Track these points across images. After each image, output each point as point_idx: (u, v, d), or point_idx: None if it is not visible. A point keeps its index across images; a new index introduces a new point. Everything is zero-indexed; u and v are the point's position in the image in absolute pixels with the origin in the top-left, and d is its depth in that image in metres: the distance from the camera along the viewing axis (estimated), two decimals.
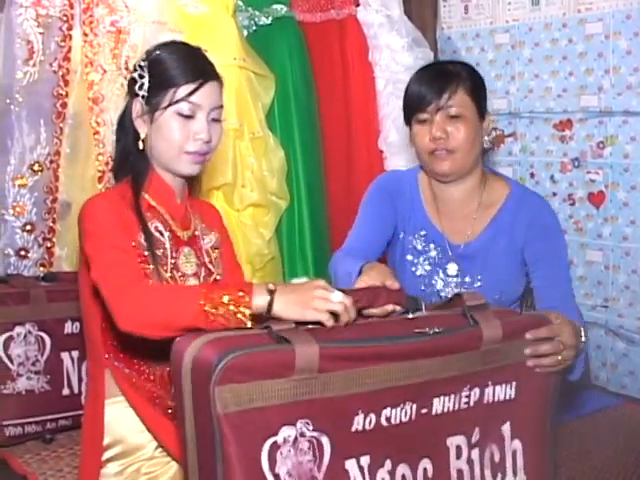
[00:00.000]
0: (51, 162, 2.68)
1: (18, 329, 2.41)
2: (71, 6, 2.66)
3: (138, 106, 1.76)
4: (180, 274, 1.76)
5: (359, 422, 1.29)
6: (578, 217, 3.08)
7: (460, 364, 1.40)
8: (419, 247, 2.12)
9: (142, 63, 1.76)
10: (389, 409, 1.32)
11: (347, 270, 1.80)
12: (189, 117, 1.73)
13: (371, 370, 1.30)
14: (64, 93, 2.68)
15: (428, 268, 2.11)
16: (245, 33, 2.95)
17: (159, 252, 1.73)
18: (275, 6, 3.01)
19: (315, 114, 3.09)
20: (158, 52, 1.78)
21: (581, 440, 2.38)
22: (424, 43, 3.24)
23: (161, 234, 1.75)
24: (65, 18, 2.65)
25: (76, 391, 2.48)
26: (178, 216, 1.81)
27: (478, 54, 3.35)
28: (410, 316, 1.45)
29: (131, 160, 1.80)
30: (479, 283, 2.06)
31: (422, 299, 1.51)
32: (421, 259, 2.12)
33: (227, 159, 2.74)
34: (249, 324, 1.36)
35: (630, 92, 2.87)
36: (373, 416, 1.30)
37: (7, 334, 2.39)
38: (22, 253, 2.68)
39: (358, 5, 3.23)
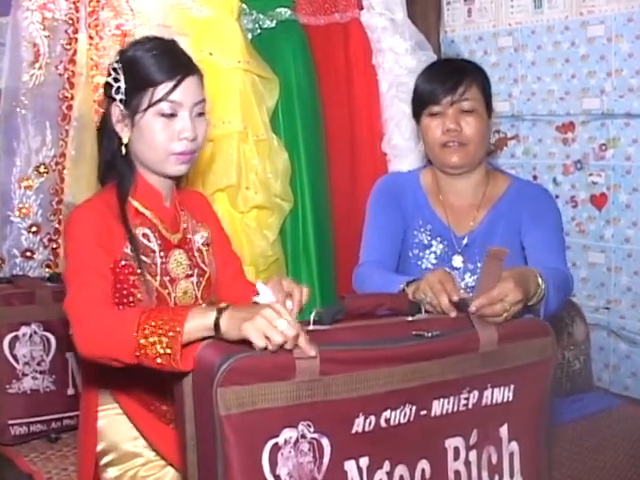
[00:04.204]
0: (56, 164, 2.70)
1: (24, 329, 2.43)
2: (77, 9, 2.67)
3: (117, 111, 1.69)
4: (169, 279, 1.72)
5: (359, 424, 1.31)
6: (580, 219, 3.08)
7: (459, 367, 1.42)
8: (425, 241, 2.15)
9: (116, 65, 1.69)
10: (389, 411, 1.34)
11: (391, 280, 1.83)
12: (171, 116, 1.67)
13: (372, 373, 1.31)
14: (70, 96, 2.70)
15: (434, 262, 2.14)
16: (249, 36, 2.95)
17: (148, 260, 1.69)
18: (279, 9, 3.01)
19: (319, 116, 3.09)
20: (131, 51, 1.71)
21: (584, 441, 2.39)
22: (427, 46, 3.25)
23: (150, 240, 1.71)
24: (71, 21, 2.66)
25: (81, 391, 2.48)
26: (167, 219, 1.77)
27: (481, 57, 3.34)
28: (409, 319, 1.47)
29: (116, 165, 1.73)
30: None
31: (422, 302, 1.52)
32: (426, 252, 2.15)
33: (231, 161, 2.75)
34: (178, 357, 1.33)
35: (632, 94, 2.87)
36: (373, 418, 1.32)
37: (13, 334, 2.41)
38: (28, 254, 2.70)
39: (362, 8, 3.23)
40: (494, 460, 1.48)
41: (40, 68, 2.63)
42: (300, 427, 1.25)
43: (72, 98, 2.71)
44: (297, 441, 1.24)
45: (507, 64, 3.29)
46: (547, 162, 3.18)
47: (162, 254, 1.72)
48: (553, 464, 2.15)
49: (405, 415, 1.36)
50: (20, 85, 2.62)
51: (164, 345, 1.35)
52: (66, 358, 2.48)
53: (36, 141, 2.66)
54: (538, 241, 2.05)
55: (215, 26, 2.79)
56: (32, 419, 2.42)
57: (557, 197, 3.12)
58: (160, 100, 1.65)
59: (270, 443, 1.22)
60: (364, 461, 1.32)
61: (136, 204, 1.73)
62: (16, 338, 2.42)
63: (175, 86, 1.65)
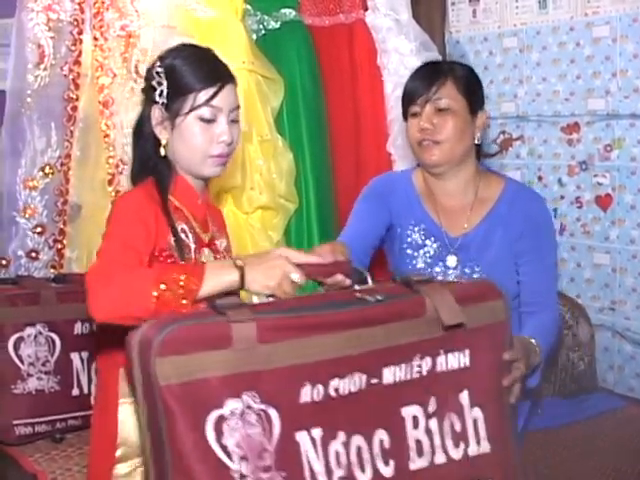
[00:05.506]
0: (62, 165, 2.70)
1: (28, 330, 2.42)
2: (82, 11, 2.67)
3: (157, 113, 1.78)
4: None
5: (307, 393, 1.28)
6: (585, 220, 3.07)
7: (406, 332, 1.39)
8: (419, 241, 2.15)
9: (159, 70, 1.77)
10: (337, 380, 1.31)
11: None
12: (210, 121, 1.76)
13: (314, 340, 1.29)
14: (75, 97, 2.70)
15: (428, 261, 2.14)
16: (254, 37, 2.95)
17: (185, 254, 1.75)
18: (284, 10, 3.02)
19: (324, 117, 3.09)
20: (172, 58, 1.79)
21: (588, 441, 2.36)
22: (432, 47, 3.23)
23: (186, 235, 1.78)
24: (76, 22, 2.67)
25: (85, 391, 2.49)
26: (200, 218, 1.85)
27: (486, 58, 3.35)
28: (356, 287, 1.47)
29: (152, 165, 1.81)
30: (477, 275, 2.09)
31: (367, 272, 1.51)
32: (421, 252, 2.15)
33: (236, 162, 2.73)
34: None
35: (637, 95, 2.86)
36: (321, 387, 1.29)
37: (18, 334, 2.40)
38: (33, 255, 2.70)
39: (366, 9, 3.23)
40: (457, 427, 1.44)
41: (45, 69, 2.63)
42: (245, 398, 1.22)
43: (77, 99, 2.71)
44: (243, 413, 1.22)
45: (512, 65, 3.28)
46: (552, 163, 3.16)
47: (196, 250, 1.79)
48: (557, 465, 2.16)
49: (355, 384, 1.33)
50: (25, 86, 2.63)
51: (180, 298, 1.42)
52: (71, 359, 2.48)
53: (41, 142, 2.66)
54: (535, 278, 2.10)
55: (219, 27, 2.80)
56: (37, 419, 2.41)
57: (562, 198, 3.12)
58: (202, 105, 1.74)
59: (214, 414, 1.20)
60: (317, 432, 1.29)
61: (174, 200, 1.81)
62: (21, 339, 2.41)
63: (216, 92, 1.75)
